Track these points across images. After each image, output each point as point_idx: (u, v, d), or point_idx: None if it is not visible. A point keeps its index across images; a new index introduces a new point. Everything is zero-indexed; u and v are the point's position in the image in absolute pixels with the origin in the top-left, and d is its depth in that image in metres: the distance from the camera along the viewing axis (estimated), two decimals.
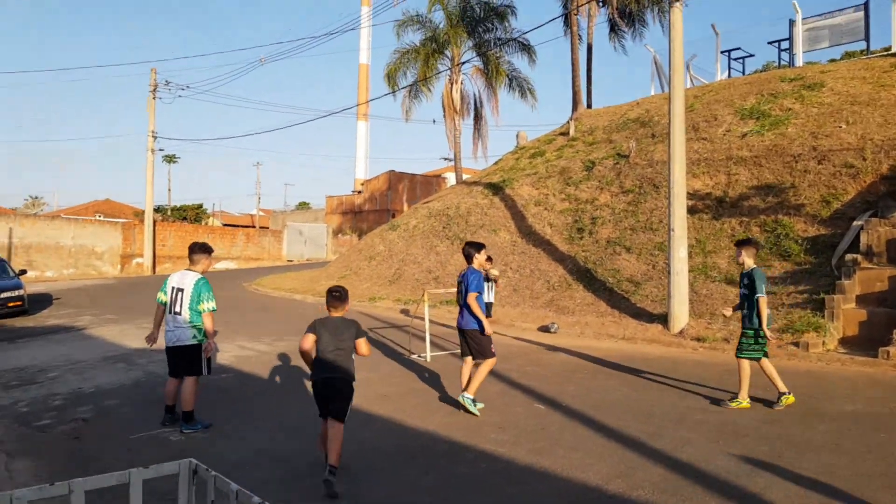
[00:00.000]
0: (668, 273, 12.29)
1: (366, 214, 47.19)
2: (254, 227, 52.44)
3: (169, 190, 66.04)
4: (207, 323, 6.74)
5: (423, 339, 10.75)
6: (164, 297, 6.95)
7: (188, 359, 6.78)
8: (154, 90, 34.35)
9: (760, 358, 7.16)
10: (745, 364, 7.19)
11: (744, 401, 7.11)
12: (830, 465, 5.30)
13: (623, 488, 4.99)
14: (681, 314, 12.09)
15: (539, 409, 7.30)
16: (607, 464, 5.51)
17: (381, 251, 21.60)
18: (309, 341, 5.26)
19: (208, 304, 6.75)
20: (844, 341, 10.64)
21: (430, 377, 9.08)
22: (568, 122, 22.61)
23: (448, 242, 19.14)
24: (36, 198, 65.68)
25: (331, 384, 5.22)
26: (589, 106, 24.77)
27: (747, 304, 7.20)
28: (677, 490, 4.93)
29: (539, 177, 19.09)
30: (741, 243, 7.39)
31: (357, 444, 6.14)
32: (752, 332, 7.14)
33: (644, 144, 17.60)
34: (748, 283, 7.17)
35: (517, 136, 24.95)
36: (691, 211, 12.64)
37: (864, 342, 10.33)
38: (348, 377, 5.29)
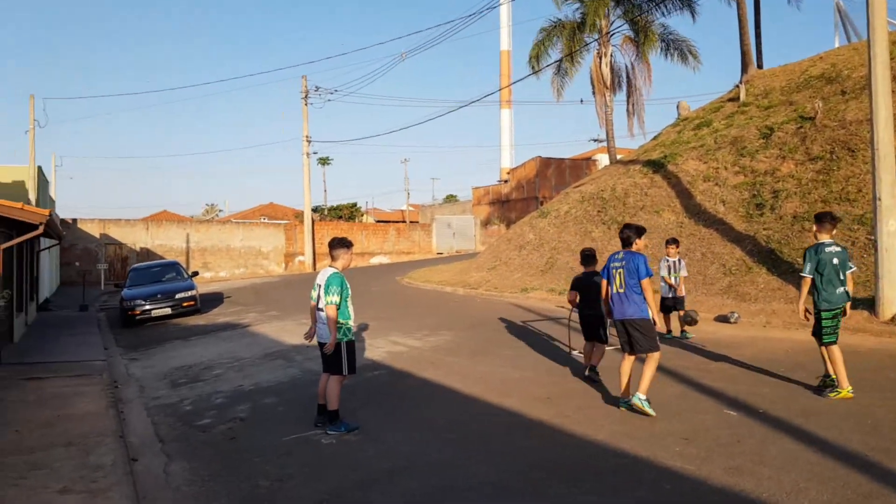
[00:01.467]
0: (875, 249, 10.40)
1: (513, 203, 46.45)
2: (404, 221, 53.53)
3: (325, 191, 69.47)
4: (331, 313, 6.37)
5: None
6: (313, 293, 6.72)
7: (328, 357, 6.50)
8: (305, 97, 35.76)
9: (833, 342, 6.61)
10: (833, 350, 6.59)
11: (843, 389, 6.44)
12: None
13: None
14: (892, 297, 10.18)
15: (731, 416, 6.14)
16: (830, 490, 4.35)
17: (531, 240, 20.73)
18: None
19: (331, 298, 6.36)
20: None
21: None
22: (737, 85, 20.38)
23: (604, 227, 17.89)
24: (212, 205, 71.48)
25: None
26: (760, 66, 22.19)
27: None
28: None
29: (706, 149, 17.27)
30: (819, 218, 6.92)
31: (521, 457, 5.41)
32: (822, 310, 6.65)
33: (832, 103, 15.31)
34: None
35: (678, 106, 22.95)
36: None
37: None
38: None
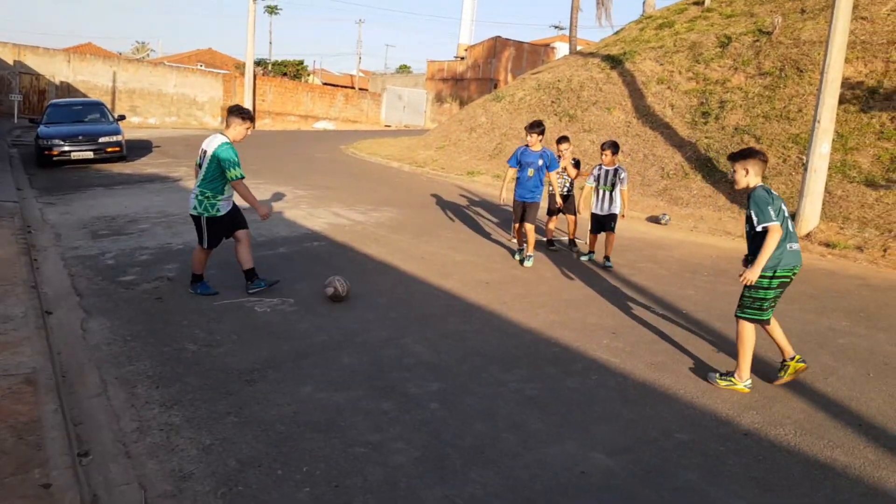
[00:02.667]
0: (804, 169, 10.89)
1: (468, 83, 45.49)
2: (353, 88, 51.78)
3: (270, 43, 65.74)
4: (241, 192, 6.29)
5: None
6: (198, 159, 6.50)
7: (196, 228, 6.57)
8: None
9: (764, 319, 4.86)
10: (746, 328, 4.87)
11: (739, 381, 4.85)
12: None
13: (759, 424, 4.34)
14: (811, 216, 10.82)
15: (656, 314, 6.60)
16: (739, 393, 4.83)
17: (483, 123, 20.59)
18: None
19: (234, 172, 6.21)
20: None
21: (532, 266, 8.48)
22: None
23: (556, 118, 17.89)
24: (143, 44, 66.64)
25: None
26: None
27: (750, 240, 4.82)
28: (824, 432, 4.24)
29: (665, 51, 17.21)
30: (732, 156, 4.84)
31: (459, 340, 5.70)
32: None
33: (791, 20, 15.36)
34: (748, 210, 4.70)
35: (644, 3, 22.49)
36: (837, 100, 10.96)
37: None
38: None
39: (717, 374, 4.97)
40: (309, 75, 54.30)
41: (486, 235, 10.23)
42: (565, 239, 10.10)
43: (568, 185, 9.44)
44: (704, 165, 13.53)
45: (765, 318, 4.83)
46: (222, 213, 6.42)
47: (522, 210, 8.41)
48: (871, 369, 5.31)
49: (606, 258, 8.51)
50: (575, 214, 9.54)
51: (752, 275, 4.62)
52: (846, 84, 12.33)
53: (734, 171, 4.81)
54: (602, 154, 8.52)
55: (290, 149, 23.63)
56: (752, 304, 4.79)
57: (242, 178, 6.27)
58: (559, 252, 9.34)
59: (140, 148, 19.91)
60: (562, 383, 4.88)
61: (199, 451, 3.76)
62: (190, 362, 4.97)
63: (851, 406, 4.63)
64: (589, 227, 8.85)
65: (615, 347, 5.62)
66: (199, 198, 6.36)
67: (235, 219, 6.57)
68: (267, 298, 6.50)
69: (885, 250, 9.62)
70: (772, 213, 4.54)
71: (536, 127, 8.17)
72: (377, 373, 4.94)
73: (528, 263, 8.35)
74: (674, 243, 10.38)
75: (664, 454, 3.92)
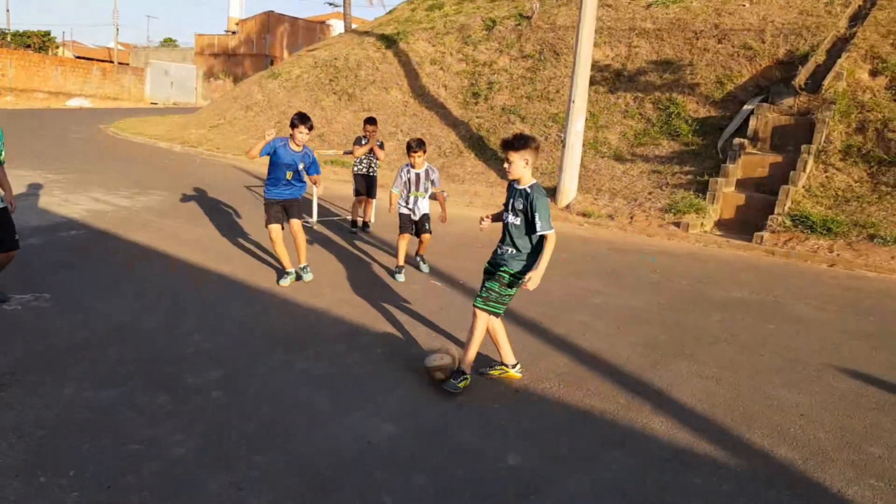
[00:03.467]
0: (563, 146, 11.99)
1: (241, 58, 43.46)
2: (111, 62, 46.97)
3: (7, 10, 57.13)
4: None
5: (309, 203, 9.93)
6: None
7: None
8: None
9: (500, 314, 4.65)
10: (485, 319, 4.58)
11: (510, 368, 4.80)
12: (731, 361, 5.30)
13: (527, 380, 4.72)
14: (570, 189, 11.97)
15: (437, 286, 6.89)
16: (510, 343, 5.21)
17: (260, 100, 19.83)
18: None
19: None
20: (721, 224, 10.97)
21: (317, 245, 8.40)
22: None
23: (335, 97, 17.78)
24: None
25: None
26: None
27: (512, 233, 4.50)
28: (583, 382, 4.73)
29: (436, 32, 17.82)
30: (510, 144, 4.37)
31: (241, 325, 5.48)
32: (510, 276, 4.51)
33: (547, 6, 16.70)
34: (523, 207, 4.41)
35: None
36: (589, 82, 12.22)
37: (740, 225, 10.69)
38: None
39: (487, 369, 4.79)
40: (58, 48, 48.32)
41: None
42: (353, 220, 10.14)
43: (373, 166, 9.44)
44: (477, 144, 14.31)
45: (501, 312, 4.61)
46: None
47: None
48: (621, 324, 6.02)
49: (421, 257, 7.61)
50: (374, 198, 9.64)
51: (537, 281, 4.33)
52: (595, 66, 13.73)
53: (510, 161, 4.36)
54: (411, 156, 7.17)
55: (39, 128, 20.94)
56: (499, 299, 4.52)
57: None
58: (351, 232, 9.39)
59: None
60: (349, 359, 4.91)
61: None
62: None
63: (605, 357, 5.21)
64: (398, 231, 7.32)
65: (400, 320, 5.78)
66: None
67: None
68: (17, 295, 5.74)
69: (631, 217, 10.93)
70: (549, 218, 4.36)
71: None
72: (150, 366, 4.60)
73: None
74: (452, 218, 10.86)
75: (445, 417, 4.12)
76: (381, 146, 9.39)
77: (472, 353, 4.57)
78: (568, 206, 11.74)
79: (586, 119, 12.23)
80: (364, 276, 7.14)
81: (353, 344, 5.21)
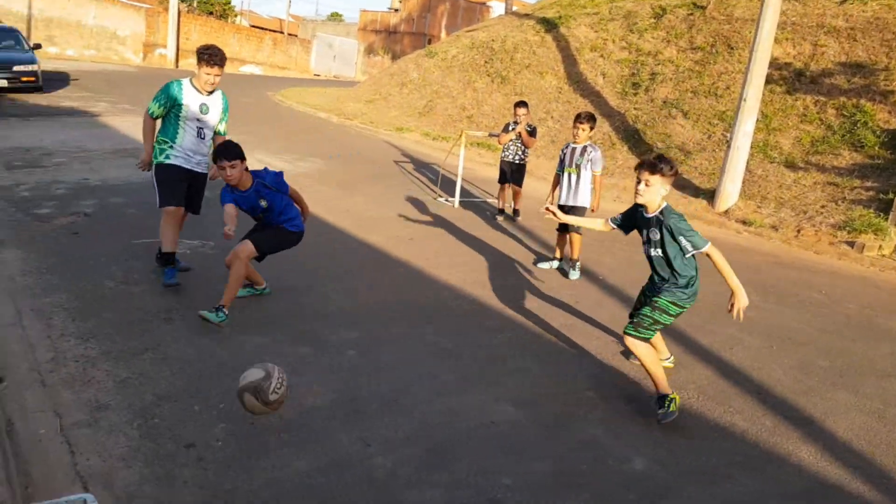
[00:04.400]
0: (728, 146, 11.21)
1: (401, 36, 44.62)
2: (282, 32, 49.87)
3: None
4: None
5: (453, 183, 9.99)
6: None
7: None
8: None
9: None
10: (643, 345, 4.01)
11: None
12: None
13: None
14: (731, 192, 11.18)
15: (574, 279, 6.67)
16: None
17: (415, 79, 20.23)
18: None
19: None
20: None
21: (456, 225, 8.42)
22: None
23: (488, 80, 17.75)
24: None
25: None
26: None
27: (657, 266, 4.21)
28: (726, 398, 4.38)
29: (600, 18, 17.25)
30: (655, 167, 3.94)
31: (381, 292, 5.61)
32: (667, 303, 4.07)
33: None
34: (660, 238, 4.07)
35: None
36: (765, 80, 11.30)
37: None
38: None
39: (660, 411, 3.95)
40: (236, 16, 51.94)
41: (412, 192, 10.09)
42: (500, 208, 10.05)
43: (521, 153, 8.81)
44: (631, 137, 13.75)
45: (650, 338, 4.07)
46: (170, 160, 5.22)
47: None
48: (775, 342, 5.52)
49: (571, 262, 6.72)
50: (521, 186, 8.99)
51: (744, 298, 4.05)
52: (774, 64, 12.70)
53: (648, 184, 3.95)
54: (575, 127, 6.53)
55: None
56: (652, 326, 4.02)
57: (148, 111, 5.26)
58: (493, 216, 9.11)
59: (57, 80, 18.70)
60: (476, 338, 4.87)
61: (115, 384, 3.72)
62: (107, 298, 4.89)
63: (753, 375, 4.80)
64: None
65: (530, 307, 5.65)
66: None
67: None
68: (186, 240, 6.24)
69: (798, 231, 10.05)
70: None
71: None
72: (294, 320, 4.87)
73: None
74: (598, 213, 10.51)
75: (571, 409, 3.97)
76: (532, 132, 8.78)
77: (659, 379, 3.97)
78: (727, 212, 10.98)
79: (757, 120, 11.35)
80: (499, 261, 7.07)
81: (481, 324, 5.16)
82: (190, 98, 5.20)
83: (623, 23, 16.62)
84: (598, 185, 6.76)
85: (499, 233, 8.25)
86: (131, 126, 12.64)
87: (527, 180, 9.29)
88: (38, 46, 17.94)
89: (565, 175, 6.68)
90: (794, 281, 7.70)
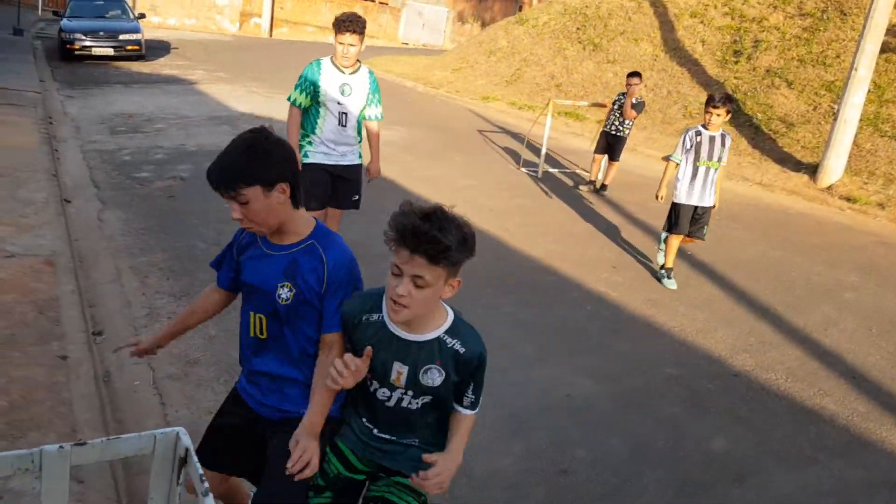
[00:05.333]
0: (834, 118, 10.51)
1: (491, 3, 43.95)
2: (373, 1, 50.18)
3: None
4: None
5: (538, 153, 9.83)
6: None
7: None
8: None
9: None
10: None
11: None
12: None
13: (751, 366, 4.27)
14: (835, 167, 10.50)
15: (660, 252, 6.47)
16: (734, 333, 4.76)
17: (503, 46, 19.93)
18: None
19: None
20: None
21: (539, 196, 8.30)
22: None
23: (579, 47, 17.27)
24: None
25: None
26: None
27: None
28: (816, 381, 4.17)
29: None
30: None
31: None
32: None
33: None
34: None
35: None
36: (880, 49, 10.47)
37: None
38: None
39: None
40: None
41: (495, 162, 10.02)
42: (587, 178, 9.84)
43: (618, 124, 8.44)
44: None
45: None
46: (309, 159, 4.55)
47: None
48: (875, 325, 5.19)
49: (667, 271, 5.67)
50: (617, 160, 8.65)
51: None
52: (891, 31, 11.74)
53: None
54: (709, 112, 5.39)
55: (306, 58, 23.12)
56: None
57: (291, 103, 4.52)
58: (584, 188, 8.82)
59: (158, 48, 19.55)
60: (555, 311, 4.81)
61: (204, 341, 3.89)
62: (200, 259, 5.08)
63: (848, 359, 4.55)
64: (668, 223, 5.66)
65: (613, 281, 5.52)
66: None
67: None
68: None
69: None
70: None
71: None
72: (376, 285, 4.90)
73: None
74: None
75: (650, 386, 3.88)
76: (639, 106, 8.35)
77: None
78: (829, 188, 10.33)
79: (869, 91, 10.56)
80: (583, 234, 6.92)
81: (560, 297, 5.10)
82: (329, 78, 4.39)
83: None
84: (720, 178, 5.61)
85: (583, 204, 8.08)
86: (226, 94, 13.09)
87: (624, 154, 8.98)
88: (142, 16, 18.79)
89: (701, 169, 5.40)
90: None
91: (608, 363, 4.11)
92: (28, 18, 22.31)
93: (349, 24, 4.31)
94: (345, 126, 4.48)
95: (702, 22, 15.38)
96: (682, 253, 6.53)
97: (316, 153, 4.51)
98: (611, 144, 8.57)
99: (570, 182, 9.27)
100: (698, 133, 5.47)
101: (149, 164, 7.66)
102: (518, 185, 8.68)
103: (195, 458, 1.07)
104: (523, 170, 9.53)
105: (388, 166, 8.63)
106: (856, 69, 10.07)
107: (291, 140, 4.43)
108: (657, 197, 5.72)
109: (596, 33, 17.34)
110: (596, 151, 8.78)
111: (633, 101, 8.29)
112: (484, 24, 37.80)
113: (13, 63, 13.57)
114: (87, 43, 15.69)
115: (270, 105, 12.02)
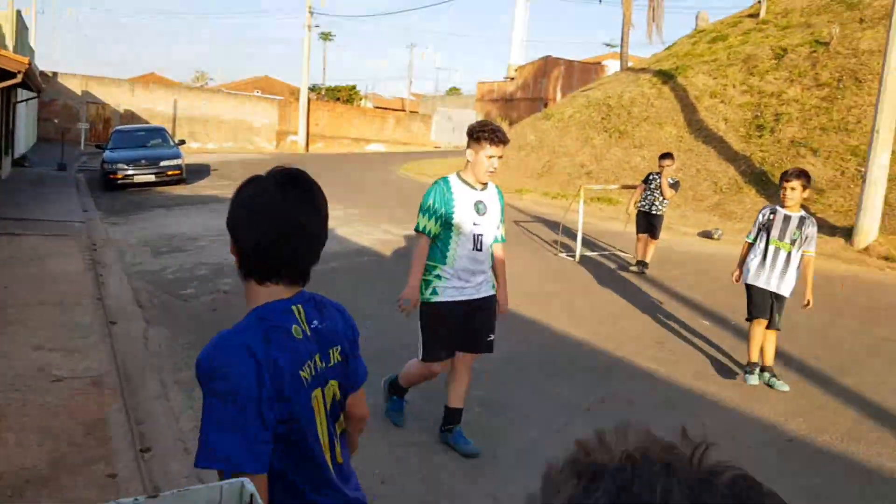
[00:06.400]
0: (863, 181, 10.62)
1: (517, 103, 45.68)
2: (404, 111, 52.70)
3: (324, 69, 67.22)
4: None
5: (574, 238, 10.12)
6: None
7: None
8: None
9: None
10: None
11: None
12: None
13: (804, 430, 4.29)
14: (870, 228, 10.52)
15: (705, 325, 6.56)
16: (786, 399, 4.79)
17: (532, 141, 20.70)
18: None
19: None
20: None
21: (578, 279, 8.50)
22: (758, 1, 19.83)
23: (606, 135, 17.87)
24: (202, 73, 69.12)
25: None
26: None
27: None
28: (871, 441, 4.16)
29: (718, 65, 17.03)
30: (802, 174, 5.04)
31: (507, 348, 5.79)
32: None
33: (849, 30, 15.03)
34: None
35: (697, 17, 22.28)
36: None
37: None
38: None
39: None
40: (361, 99, 55.49)
41: (534, 251, 10.30)
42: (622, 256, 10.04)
43: (657, 204, 8.75)
44: (759, 179, 13.31)
45: None
46: (438, 297, 3.86)
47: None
48: None
49: (770, 372, 5.13)
50: (657, 238, 8.90)
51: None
52: None
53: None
54: (783, 187, 4.99)
55: (344, 171, 24.22)
56: None
57: (421, 232, 3.84)
58: (632, 270, 8.89)
59: (199, 171, 20.62)
60: (605, 390, 4.92)
61: None
62: None
63: None
64: (748, 310, 5.24)
65: (660, 357, 5.62)
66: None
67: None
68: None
69: None
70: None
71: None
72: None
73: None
74: (726, 257, 10.19)
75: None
76: (676, 186, 8.78)
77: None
78: (867, 249, 10.32)
79: (893, 151, 10.71)
80: (622, 310, 7.06)
81: (610, 375, 5.20)
82: (462, 198, 3.83)
83: (742, 67, 16.31)
84: (810, 269, 5.12)
85: (623, 284, 8.25)
86: None
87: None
88: (182, 142, 19.62)
89: (770, 249, 5.04)
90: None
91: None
92: (71, 154, 23.41)
93: (498, 134, 3.79)
94: (480, 250, 3.87)
95: (722, 101, 15.86)
96: (725, 321, 6.60)
97: (447, 288, 3.81)
98: (650, 223, 8.81)
99: (611, 264, 9.46)
100: (773, 211, 5.13)
101: (192, 281, 7.85)
102: (559, 270, 8.92)
103: (260, 502, 1.25)
104: (562, 254, 9.79)
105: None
106: (877, 131, 10.28)
107: (414, 275, 3.84)
108: (732, 276, 5.53)
109: (620, 121, 17.94)
110: (639, 232, 9.01)
111: (670, 181, 8.66)
112: (511, 123, 39.14)
113: (58, 196, 14.19)
114: (130, 171, 16.31)
115: None
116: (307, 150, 34.85)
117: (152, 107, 32.21)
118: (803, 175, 4.99)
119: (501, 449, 4.01)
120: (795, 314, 6.96)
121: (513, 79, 48.51)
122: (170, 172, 16.92)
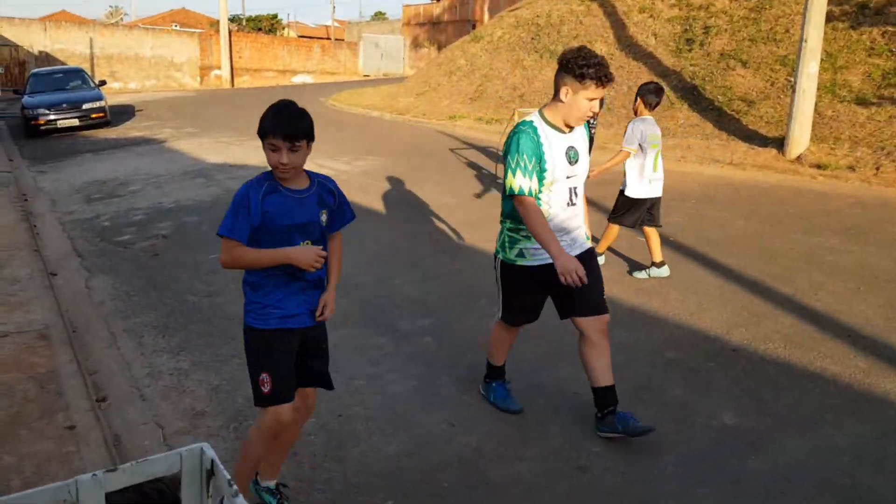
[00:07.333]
0: (792, 91, 10.73)
1: (444, 25, 44.49)
2: (329, 39, 50.62)
3: None
4: (524, 217, 3.27)
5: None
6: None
7: None
8: None
9: None
10: None
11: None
12: None
13: (748, 339, 4.35)
14: (801, 138, 10.71)
15: (642, 242, 6.55)
16: (728, 310, 4.84)
17: (462, 65, 20.19)
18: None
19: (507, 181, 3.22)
20: None
21: None
22: None
23: (537, 56, 17.53)
24: (116, 8, 64.76)
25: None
26: None
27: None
28: (813, 344, 4.25)
29: None
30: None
31: (448, 280, 5.67)
32: None
33: None
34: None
35: None
36: (825, 18, 10.73)
37: None
38: None
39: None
40: (284, 29, 53.08)
41: (470, 177, 10.13)
42: None
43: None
44: (690, 94, 13.34)
45: None
46: (526, 261, 3.32)
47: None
48: (862, 283, 5.29)
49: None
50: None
51: None
52: (834, 1, 12.07)
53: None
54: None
55: (269, 100, 23.26)
56: None
57: (519, 193, 3.11)
58: None
59: (123, 113, 19.63)
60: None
61: (208, 391, 3.92)
62: (192, 312, 5.14)
63: (841, 319, 4.63)
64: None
65: (603, 275, 5.57)
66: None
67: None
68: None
69: (877, 168, 9.56)
70: None
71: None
72: (371, 312, 4.99)
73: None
74: (670, 176, 10.29)
75: (653, 372, 3.94)
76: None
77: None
78: (799, 158, 10.53)
79: (822, 60, 10.82)
80: None
81: None
82: (554, 145, 3.18)
83: None
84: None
85: None
86: (196, 148, 13.15)
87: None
88: (103, 83, 18.81)
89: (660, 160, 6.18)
90: (877, 219, 7.34)
91: (611, 356, 4.15)
92: None
93: (607, 72, 3.08)
94: (574, 204, 3.31)
95: (651, 16, 15.70)
96: (664, 238, 6.62)
97: (538, 251, 3.20)
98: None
99: None
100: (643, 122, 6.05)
101: (129, 227, 7.70)
102: (495, 196, 8.77)
103: (221, 468, 1.15)
104: (499, 181, 9.63)
105: (368, 195, 8.75)
106: (805, 41, 10.32)
107: (555, 242, 3.05)
108: None
109: (550, 41, 17.62)
110: None
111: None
112: (440, 48, 38.22)
113: None
114: (52, 117, 15.73)
115: (244, 151, 12.17)
116: (233, 85, 33.30)
117: (68, 47, 30.15)
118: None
119: (451, 377, 3.90)
120: (731, 226, 7.09)
121: (438, 0, 47.07)
122: (94, 115, 16.27)
